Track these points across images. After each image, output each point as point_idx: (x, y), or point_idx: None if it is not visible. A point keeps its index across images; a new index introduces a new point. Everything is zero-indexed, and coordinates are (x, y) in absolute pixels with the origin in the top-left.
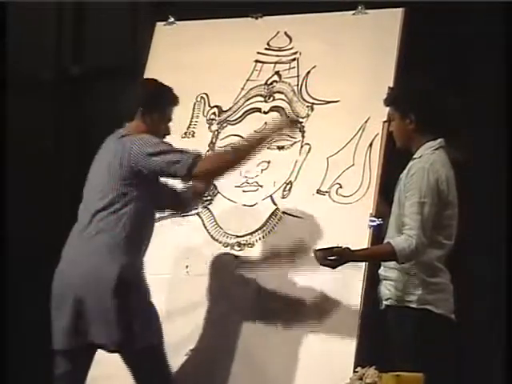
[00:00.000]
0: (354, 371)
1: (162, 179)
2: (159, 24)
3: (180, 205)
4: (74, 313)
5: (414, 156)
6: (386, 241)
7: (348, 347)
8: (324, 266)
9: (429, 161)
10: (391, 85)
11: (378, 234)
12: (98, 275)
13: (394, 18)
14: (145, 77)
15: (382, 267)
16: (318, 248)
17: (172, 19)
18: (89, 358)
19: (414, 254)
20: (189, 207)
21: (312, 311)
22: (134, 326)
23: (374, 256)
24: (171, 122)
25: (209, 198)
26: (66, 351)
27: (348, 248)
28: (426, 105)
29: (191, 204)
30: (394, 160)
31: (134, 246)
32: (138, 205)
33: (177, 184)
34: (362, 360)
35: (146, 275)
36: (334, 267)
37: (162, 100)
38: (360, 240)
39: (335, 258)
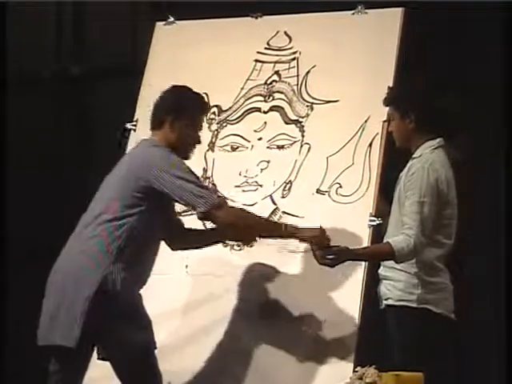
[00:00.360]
0: (354, 371)
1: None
2: (159, 24)
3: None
4: (52, 310)
5: (414, 155)
6: (385, 240)
7: (348, 347)
8: (323, 264)
9: (428, 160)
10: (391, 84)
11: (378, 233)
12: (78, 278)
13: (393, 17)
14: (174, 84)
15: (381, 267)
16: (316, 247)
17: (172, 19)
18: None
19: (413, 254)
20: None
21: (312, 310)
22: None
23: (373, 255)
24: (202, 130)
25: None
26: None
27: (347, 247)
28: (426, 104)
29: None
30: (394, 159)
31: (126, 259)
32: (142, 220)
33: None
34: (361, 359)
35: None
36: (332, 266)
37: (191, 107)
38: (360, 239)
39: (334, 256)
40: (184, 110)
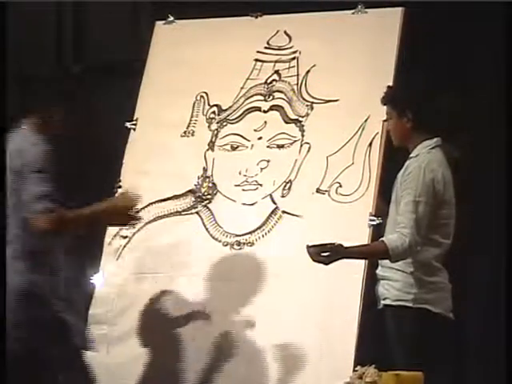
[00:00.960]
0: (354, 370)
1: None
2: (159, 23)
3: None
4: None
5: (411, 155)
6: (381, 239)
7: (348, 346)
8: (317, 262)
9: (425, 160)
10: (391, 84)
11: (378, 232)
12: None
13: (393, 17)
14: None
15: (379, 267)
16: (311, 244)
17: (172, 18)
18: None
19: (407, 253)
20: None
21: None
22: None
23: (367, 253)
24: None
25: (209, 196)
26: None
27: (341, 244)
28: (423, 104)
29: None
30: (394, 159)
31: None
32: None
33: None
34: (361, 359)
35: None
36: (327, 263)
37: None
38: (360, 239)
39: (328, 254)
40: None
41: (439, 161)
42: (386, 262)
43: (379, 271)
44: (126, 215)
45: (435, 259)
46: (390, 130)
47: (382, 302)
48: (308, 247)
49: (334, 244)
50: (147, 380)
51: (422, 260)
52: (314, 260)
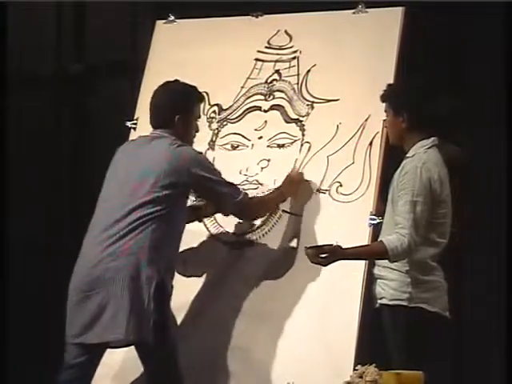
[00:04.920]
0: (354, 369)
1: None
2: (159, 22)
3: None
4: (95, 311)
5: (407, 155)
6: (379, 239)
7: (348, 345)
8: (315, 263)
9: (421, 160)
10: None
11: (378, 232)
12: (128, 275)
13: (394, 16)
14: (168, 80)
15: (376, 266)
16: (309, 246)
17: (172, 17)
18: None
19: (406, 253)
20: None
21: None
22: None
23: (366, 254)
24: (200, 118)
25: None
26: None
27: (339, 246)
28: (419, 105)
29: None
30: (395, 158)
31: (164, 253)
32: (173, 213)
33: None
34: (361, 358)
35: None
36: (325, 265)
37: (193, 101)
38: (360, 238)
39: (326, 255)
40: (189, 106)
41: (435, 160)
42: (382, 261)
43: (375, 270)
44: (297, 185)
45: (431, 258)
46: (387, 128)
47: (379, 301)
48: (306, 249)
49: (331, 245)
50: None
51: (419, 259)
52: (312, 262)
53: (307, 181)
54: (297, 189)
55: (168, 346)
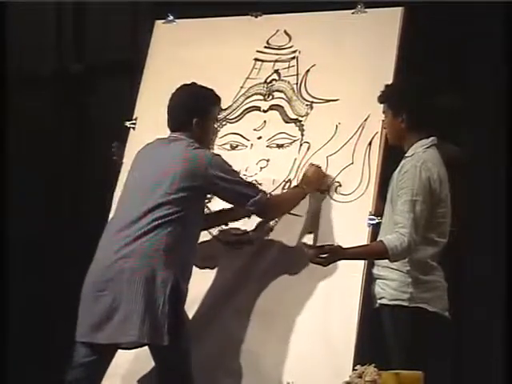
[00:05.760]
0: (354, 369)
1: None
2: (158, 22)
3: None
4: (108, 311)
5: (406, 154)
6: (378, 239)
7: (347, 345)
8: (315, 263)
9: (420, 159)
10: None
11: (378, 232)
12: (145, 276)
13: (393, 16)
14: (184, 83)
15: (375, 266)
16: (309, 245)
17: (171, 17)
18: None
19: (406, 252)
20: None
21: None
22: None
23: (366, 254)
24: (217, 121)
25: (209, 197)
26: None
27: (339, 246)
28: (418, 105)
29: None
30: (394, 158)
31: (182, 255)
32: (190, 215)
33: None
34: (361, 358)
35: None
36: (325, 265)
37: (211, 104)
38: (359, 238)
39: (326, 255)
40: (207, 109)
41: (435, 160)
42: (382, 261)
43: (375, 270)
44: (317, 180)
45: (431, 258)
46: (386, 129)
47: (379, 301)
48: (306, 249)
49: (331, 245)
50: None
51: (418, 259)
52: (313, 262)
53: (326, 176)
54: (317, 185)
55: (182, 348)
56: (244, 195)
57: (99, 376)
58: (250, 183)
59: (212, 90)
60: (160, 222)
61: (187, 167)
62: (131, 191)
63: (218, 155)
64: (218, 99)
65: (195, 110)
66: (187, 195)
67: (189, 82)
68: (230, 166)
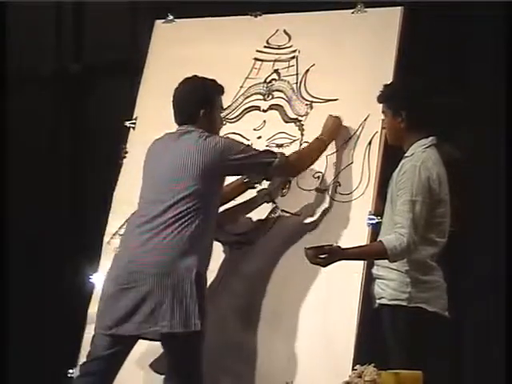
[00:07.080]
0: (353, 369)
1: None
2: (158, 22)
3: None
4: (136, 303)
5: (406, 154)
6: (379, 239)
7: (347, 345)
8: (315, 264)
9: (420, 159)
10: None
11: (377, 231)
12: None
13: (393, 16)
14: (186, 76)
15: (375, 266)
16: (308, 246)
17: (171, 17)
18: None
19: (406, 253)
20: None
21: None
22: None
23: (366, 254)
24: (223, 109)
25: None
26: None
27: (339, 246)
28: (417, 104)
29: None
30: (393, 158)
31: (205, 245)
32: (212, 204)
33: None
34: (361, 358)
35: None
36: (324, 265)
37: (216, 95)
38: (359, 238)
39: (326, 256)
40: (211, 99)
41: (434, 160)
42: (382, 261)
43: (374, 270)
44: (338, 129)
45: (430, 258)
46: (385, 129)
47: (378, 301)
48: (305, 249)
49: (331, 246)
50: None
51: (418, 259)
52: (312, 262)
53: (344, 126)
54: (337, 134)
55: (201, 336)
56: (264, 164)
57: (118, 367)
58: (264, 150)
59: (214, 80)
60: (182, 215)
61: (203, 157)
62: (151, 187)
63: (227, 137)
64: (221, 88)
65: (201, 101)
66: (206, 184)
67: (190, 76)
68: (241, 143)
